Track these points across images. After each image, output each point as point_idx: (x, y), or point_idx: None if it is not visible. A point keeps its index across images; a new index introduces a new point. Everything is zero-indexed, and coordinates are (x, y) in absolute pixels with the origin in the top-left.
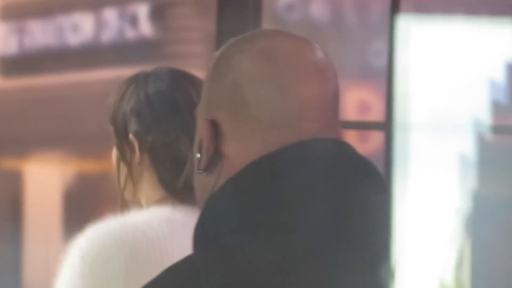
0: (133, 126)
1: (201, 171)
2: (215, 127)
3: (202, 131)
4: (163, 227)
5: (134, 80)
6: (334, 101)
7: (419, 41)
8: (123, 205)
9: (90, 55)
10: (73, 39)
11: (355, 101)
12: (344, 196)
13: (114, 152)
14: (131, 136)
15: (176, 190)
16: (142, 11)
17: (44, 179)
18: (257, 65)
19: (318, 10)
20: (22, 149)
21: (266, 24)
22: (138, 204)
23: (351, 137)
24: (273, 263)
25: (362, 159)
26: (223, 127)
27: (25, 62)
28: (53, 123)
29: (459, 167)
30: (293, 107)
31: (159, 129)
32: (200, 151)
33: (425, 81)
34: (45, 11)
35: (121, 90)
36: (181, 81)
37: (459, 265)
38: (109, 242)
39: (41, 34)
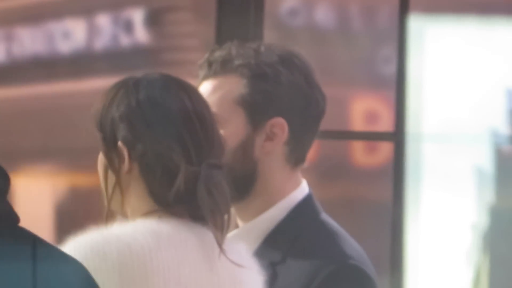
0: (122, 133)
1: None
2: None
3: None
4: (148, 240)
5: (123, 85)
6: None
7: (431, 44)
8: (109, 217)
9: (82, 63)
10: (64, 47)
11: (363, 111)
12: None
13: (101, 160)
14: (120, 143)
15: (166, 203)
16: (137, 16)
17: (34, 194)
18: None
19: (323, 14)
20: (10, 163)
21: (268, 29)
22: (125, 216)
23: (358, 148)
24: None
25: None
26: None
27: (13, 71)
28: (42, 135)
29: (475, 180)
30: None
31: (151, 137)
32: None
33: (438, 89)
34: (34, 17)
35: (109, 95)
36: (173, 87)
37: (476, 282)
38: (90, 255)
39: (29, 41)
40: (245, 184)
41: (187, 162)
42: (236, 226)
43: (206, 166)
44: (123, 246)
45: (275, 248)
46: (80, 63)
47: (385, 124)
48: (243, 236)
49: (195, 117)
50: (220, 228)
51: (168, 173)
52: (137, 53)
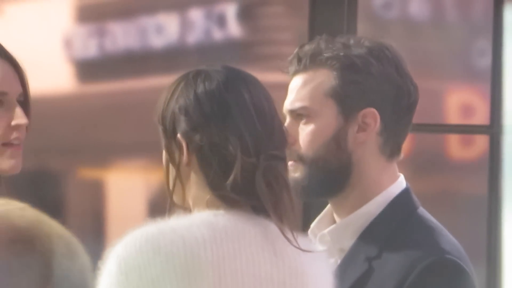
0: (181, 125)
1: None
2: None
3: None
4: (203, 232)
5: (184, 78)
6: None
7: None
8: (172, 209)
9: (175, 57)
10: (157, 41)
11: (458, 104)
12: None
13: (164, 154)
14: (179, 136)
15: (225, 194)
16: (230, 10)
17: (128, 189)
18: None
19: (417, 7)
20: (103, 158)
21: (362, 22)
22: (188, 208)
23: (453, 141)
24: None
25: None
26: None
27: (105, 66)
28: (135, 130)
29: None
30: None
31: (208, 129)
32: None
33: None
34: (127, 12)
35: (171, 88)
36: (233, 80)
37: None
38: (145, 248)
39: (122, 36)
40: (340, 176)
41: (244, 154)
42: (333, 222)
43: (265, 157)
44: (177, 238)
45: (372, 243)
46: (173, 58)
47: (481, 117)
48: (340, 232)
49: (253, 109)
50: (283, 219)
51: (225, 165)
52: (230, 47)
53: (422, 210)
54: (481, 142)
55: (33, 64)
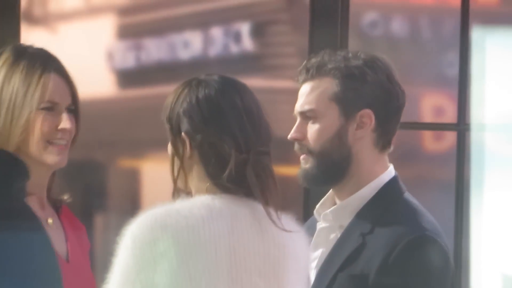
0: (185, 126)
1: None
2: None
3: None
4: (202, 213)
5: (187, 85)
6: None
7: (491, 49)
8: (176, 194)
9: (199, 68)
10: (184, 54)
11: (431, 106)
12: None
13: (169, 148)
14: (183, 134)
15: (221, 182)
16: (245, 28)
17: (158, 176)
18: None
19: (398, 26)
20: (138, 150)
21: (352, 38)
22: (189, 193)
23: (427, 136)
24: None
25: None
26: None
27: (141, 75)
28: (165, 127)
29: None
30: None
31: (206, 130)
32: None
33: (499, 86)
34: (159, 30)
35: (176, 93)
36: (227, 87)
37: None
38: (155, 227)
39: (155, 50)
40: (342, 167)
41: (236, 151)
42: (334, 204)
43: (254, 153)
44: (181, 218)
45: (365, 221)
46: (197, 68)
47: (450, 116)
48: (340, 211)
49: (244, 112)
50: (269, 202)
51: (221, 160)
52: (244, 59)
53: (408, 195)
54: (450, 137)
55: (81, 73)
